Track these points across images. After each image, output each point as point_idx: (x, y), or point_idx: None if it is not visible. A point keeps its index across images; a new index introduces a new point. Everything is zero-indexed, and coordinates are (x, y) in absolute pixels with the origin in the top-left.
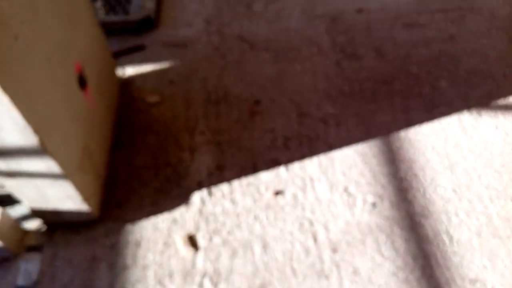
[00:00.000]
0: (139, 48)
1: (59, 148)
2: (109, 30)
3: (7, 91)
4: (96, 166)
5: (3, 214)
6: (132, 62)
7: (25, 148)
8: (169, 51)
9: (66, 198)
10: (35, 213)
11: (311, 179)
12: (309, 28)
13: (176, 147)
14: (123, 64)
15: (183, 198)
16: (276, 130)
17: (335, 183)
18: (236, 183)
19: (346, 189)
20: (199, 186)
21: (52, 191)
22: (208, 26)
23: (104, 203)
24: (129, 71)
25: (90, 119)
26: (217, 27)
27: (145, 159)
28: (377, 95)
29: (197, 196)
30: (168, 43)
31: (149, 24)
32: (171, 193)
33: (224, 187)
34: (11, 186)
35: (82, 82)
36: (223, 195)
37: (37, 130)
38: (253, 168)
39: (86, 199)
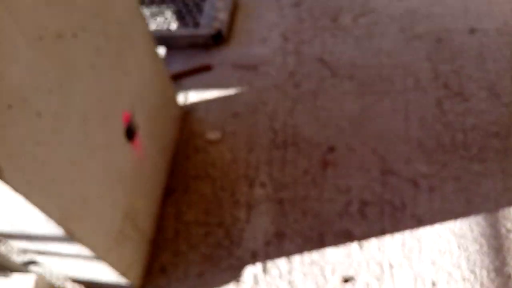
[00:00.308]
0: (206, 68)
1: (91, 231)
2: (175, 44)
3: (19, 189)
4: (140, 229)
5: (39, 279)
6: (197, 85)
7: (50, 236)
8: (237, 74)
9: (102, 273)
10: (72, 280)
11: (391, 265)
12: (406, 51)
13: (232, 201)
14: (186, 87)
15: (233, 272)
16: (352, 190)
17: (420, 274)
18: (297, 259)
19: (434, 285)
20: (253, 259)
21: (86, 267)
22: (284, 43)
23: (148, 266)
24: (192, 96)
25: (137, 174)
26: (295, 45)
27: (197, 213)
28: (486, 153)
29: (249, 272)
30: (237, 64)
31: (219, 39)
32: (220, 263)
33: (282, 263)
34: (42, 261)
35: (130, 133)
36: (280, 274)
37: (63, 219)
38: (319, 240)
39: (125, 272)
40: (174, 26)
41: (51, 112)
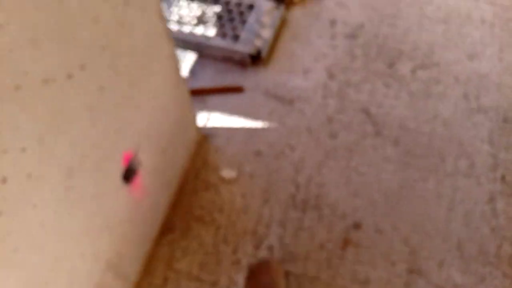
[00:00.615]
0: (237, 90)
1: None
2: (209, 54)
3: None
4: (124, 275)
5: None
6: (222, 106)
7: None
8: (270, 104)
9: None
10: None
11: None
12: (465, 124)
13: (232, 260)
14: (210, 106)
15: None
16: (370, 283)
17: None
18: None
19: None
20: None
21: None
22: (329, 80)
23: None
24: (214, 118)
25: (131, 217)
26: (341, 86)
27: (191, 263)
28: None
29: None
30: (272, 93)
31: (257, 59)
32: None
33: None
34: None
35: (129, 174)
36: None
37: None
38: None
39: None
40: (211, 31)
41: (22, 176)
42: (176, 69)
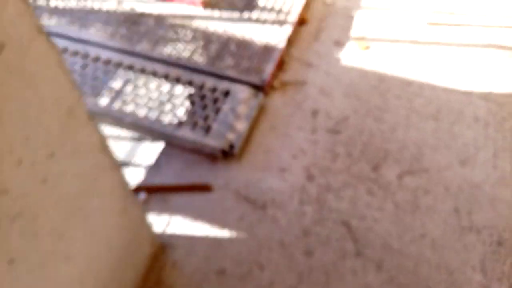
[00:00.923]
0: (204, 189)
1: None
2: (176, 144)
3: None
4: None
5: None
6: (185, 209)
7: None
8: (239, 208)
9: None
10: None
11: None
12: (456, 247)
13: None
14: (172, 208)
15: None
16: None
17: None
18: None
19: None
20: None
21: None
22: (307, 183)
23: None
24: (174, 223)
25: None
26: (319, 190)
27: None
28: None
29: None
30: (242, 194)
31: (229, 155)
32: None
33: None
34: None
35: None
36: None
37: None
38: None
39: None
40: (180, 117)
41: None
42: (124, 195)
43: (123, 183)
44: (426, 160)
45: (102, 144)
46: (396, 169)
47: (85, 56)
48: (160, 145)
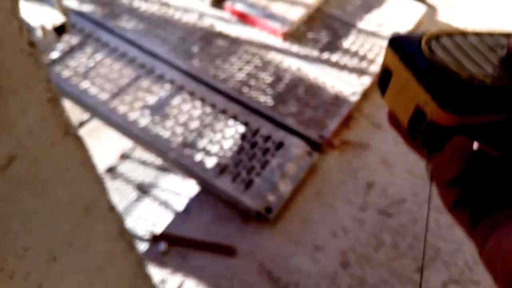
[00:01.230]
0: (228, 252)
1: None
2: (212, 192)
3: None
4: None
5: None
6: (204, 273)
7: None
8: (259, 285)
9: None
10: None
11: None
12: None
13: None
14: (189, 269)
15: None
16: None
17: None
18: None
19: None
20: None
21: None
22: (340, 270)
23: None
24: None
25: None
26: (351, 282)
27: None
28: None
29: None
30: (267, 269)
31: (263, 219)
32: None
33: None
34: None
35: None
36: None
37: None
38: None
39: None
40: (227, 159)
41: None
42: (137, 269)
43: (137, 263)
44: (480, 271)
45: (120, 231)
46: (443, 275)
47: (150, 71)
48: (196, 188)
